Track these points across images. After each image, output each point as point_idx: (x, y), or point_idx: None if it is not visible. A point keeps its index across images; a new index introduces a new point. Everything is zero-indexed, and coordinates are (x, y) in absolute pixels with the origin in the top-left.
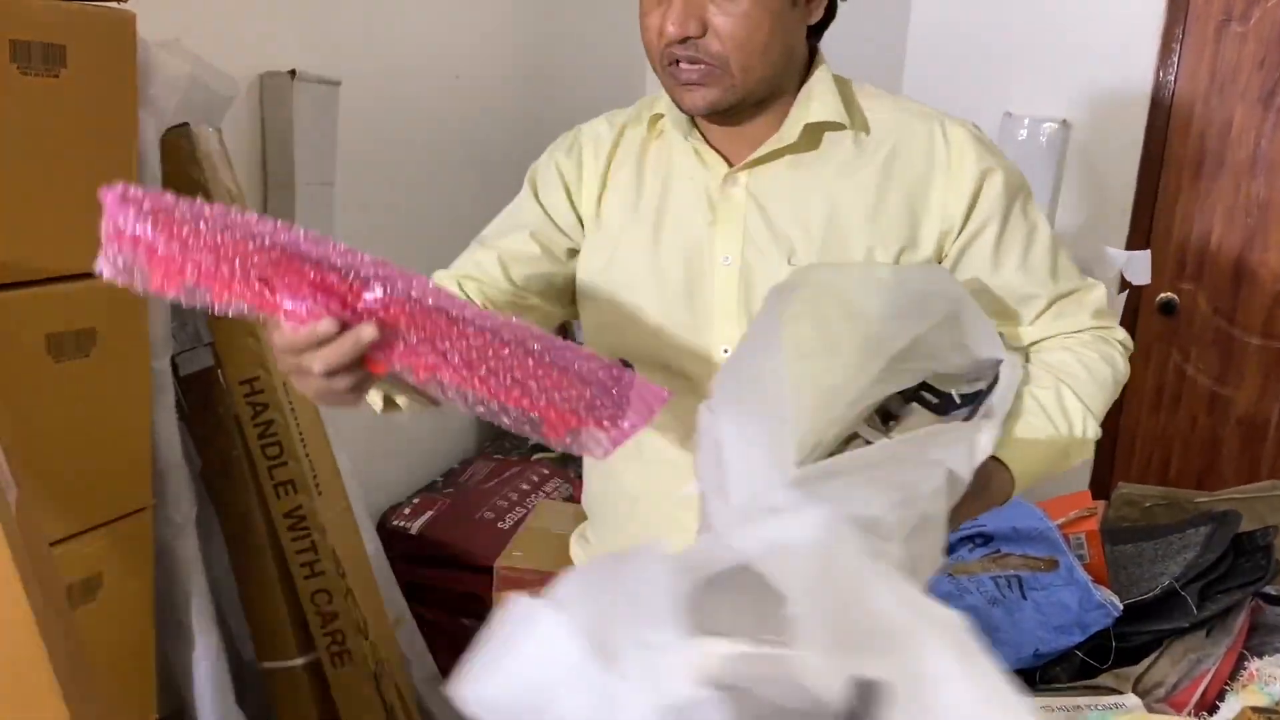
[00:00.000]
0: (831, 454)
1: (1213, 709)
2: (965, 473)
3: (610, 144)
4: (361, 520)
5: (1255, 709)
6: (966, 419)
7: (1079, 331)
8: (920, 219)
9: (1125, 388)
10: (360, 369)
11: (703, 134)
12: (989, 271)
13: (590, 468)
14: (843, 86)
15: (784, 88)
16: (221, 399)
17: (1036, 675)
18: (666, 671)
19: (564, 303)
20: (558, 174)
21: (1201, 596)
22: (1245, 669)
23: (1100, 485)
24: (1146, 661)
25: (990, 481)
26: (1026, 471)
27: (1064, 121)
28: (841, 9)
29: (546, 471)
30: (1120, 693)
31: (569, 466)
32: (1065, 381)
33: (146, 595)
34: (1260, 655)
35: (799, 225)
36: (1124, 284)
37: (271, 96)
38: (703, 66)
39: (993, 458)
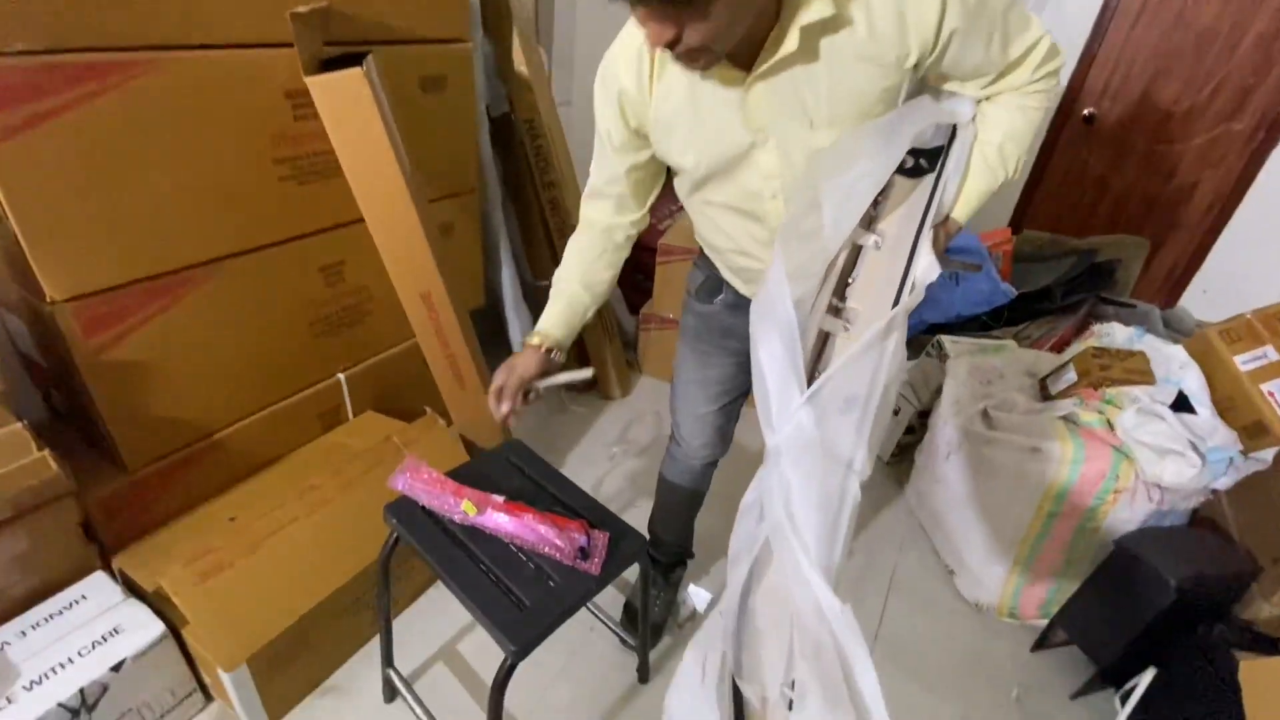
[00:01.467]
0: (843, 271)
1: (1060, 350)
2: (929, 276)
3: (644, 65)
4: None
5: (1095, 349)
6: (934, 175)
7: (1024, 85)
8: (901, 58)
9: (1039, 169)
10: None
11: None
12: (953, 67)
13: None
14: None
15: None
16: (514, 130)
17: (955, 328)
18: None
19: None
20: (614, 107)
21: (1064, 294)
22: (1090, 329)
23: (1015, 225)
24: (1021, 325)
25: (948, 228)
26: (968, 212)
27: None
28: None
29: None
30: (1004, 340)
31: None
32: (1011, 138)
33: (476, 239)
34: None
35: (814, 98)
36: None
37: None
38: (695, 57)
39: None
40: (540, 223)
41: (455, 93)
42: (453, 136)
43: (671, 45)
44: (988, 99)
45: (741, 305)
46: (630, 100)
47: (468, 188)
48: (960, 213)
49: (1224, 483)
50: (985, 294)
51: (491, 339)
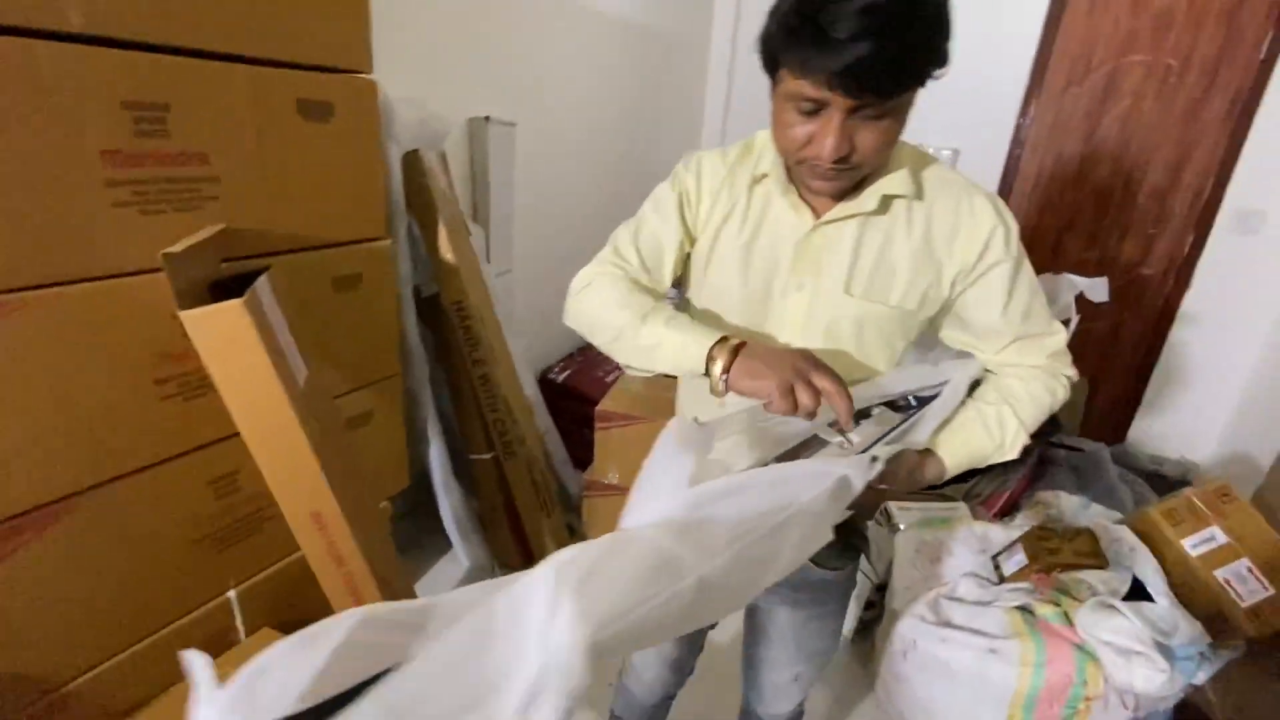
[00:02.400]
0: (789, 452)
1: (1010, 513)
2: (859, 481)
3: (722, 178)
4: (526, 375)
5: (1040, 530)
6: (914, 413)
7: (1033, 366)
8: (943, 265)
9: None
10: None
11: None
12: (975, 308)
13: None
14: (911, 159)
15: None
16: (443, 310)
17: None
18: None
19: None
20: (682, 192)
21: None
22: (1039, 492)
23: None
24: (972, 481)
25: (925, 465)
26: (956, 463)
27: (955, 150)
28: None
29: None
30: (955, 500)
31: None
32: (1010, 403)
33: (399, 422)
34: (1043, 483)
35: (859, 264)
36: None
37: (477, 136)
38: (843, 173)
39: (930, 450)
40: (472, 397)
41: (373, 287)
42: (370, 327)
43: (847, 157)
44: (995, 368)
45: None
46: (701, 207)
47: (389, 373)
48: (948, 457)
49: (1201, 678)
50: None
51: (422, 509)
